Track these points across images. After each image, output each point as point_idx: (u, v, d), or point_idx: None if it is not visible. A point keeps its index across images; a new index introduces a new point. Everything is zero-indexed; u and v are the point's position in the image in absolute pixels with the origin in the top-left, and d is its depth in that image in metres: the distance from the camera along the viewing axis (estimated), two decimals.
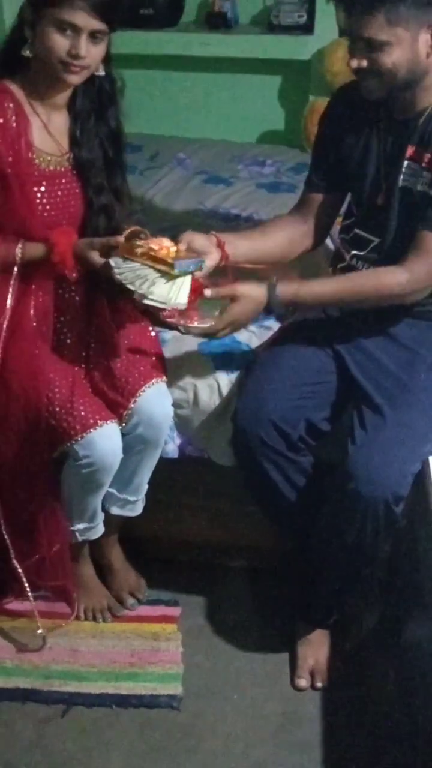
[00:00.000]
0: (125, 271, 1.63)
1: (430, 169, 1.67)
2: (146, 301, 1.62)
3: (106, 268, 1.66)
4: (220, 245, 1.76)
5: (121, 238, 1.68)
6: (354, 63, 1.61)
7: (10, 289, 1.75)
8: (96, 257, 1.69)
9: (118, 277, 1.62)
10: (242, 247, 1.81)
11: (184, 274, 1.62)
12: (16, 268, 1.74)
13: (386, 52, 1.57)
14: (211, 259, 1.73)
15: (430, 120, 1.67)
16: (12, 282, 1.75)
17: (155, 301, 1.61)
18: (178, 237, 1.71)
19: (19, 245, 1.72)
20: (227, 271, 1.78)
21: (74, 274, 1.73)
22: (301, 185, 2.18)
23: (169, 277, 1.62)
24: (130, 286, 1.61)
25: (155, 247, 1.65)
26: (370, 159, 1.77)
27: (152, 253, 1.63)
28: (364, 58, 1.59)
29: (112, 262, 1.64)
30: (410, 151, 1.70)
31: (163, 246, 1.66)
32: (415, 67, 1.60)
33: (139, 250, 1.64)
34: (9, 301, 1.76)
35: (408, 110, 1.70)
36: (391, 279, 1.69)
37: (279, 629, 1.98)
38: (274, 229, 1.92)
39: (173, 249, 1.67)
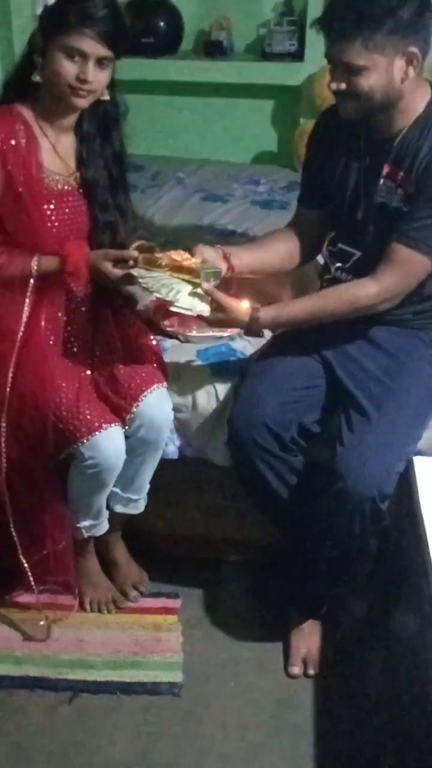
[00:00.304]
0: (150, 280, 1.63)
1: (403, 186, 1.67)
2: (173, 308, 1.63)
3: (124, 279, 1.69)
4: (227, 257, 1.78)
5: (134, 252, 1.69)
6: (334, 85, 1.61)
7: (27, 301, 1.74)
8: (111, 268, 1.69)
9: (144, 285, 1.64)
10: (245, 258, 1.82)
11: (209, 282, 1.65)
12: (32, 281, 1.73)
13: (363, 76, 1.56)
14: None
15: (404, 141, 1.67)
16: (29, 294, 1.74)
17: (181, 308, 1.63)
18: (192, 250, 1.73)
19: (35, 259, 1.72)
20: (232, 282, 1.79)
21: (85, 284, 1.74)
22: (292, 202, 2.19)
23: (194, 285, 1.64)
24: (156, 294, 1.63)
25: (178, 258, 1.66)
26: (350, 176, 1.76)
27: (176, 264, 1.65)
28: (343, 81, 1.59)
29: (135, 272, 1.65)
30: (386, 169, 1.70)
31: (184, 257, 1.67)
32: (390, 90, 1.59)
33: (162, 261, 1.65)
34: (25, 313, 1.75)
35: (384, 131, 1.69)
36: (361, 290, 1.69)
37: (273, 620, 1.97)
38: (274, 242, 1.92)
39: (195, 260, 1.68)
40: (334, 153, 1.78)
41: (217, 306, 1.67)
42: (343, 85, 1.59)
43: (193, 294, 1.64)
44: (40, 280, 1.73)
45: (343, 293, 1.73)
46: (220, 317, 1.69)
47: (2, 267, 1.71)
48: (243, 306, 1.68)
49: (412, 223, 1.64)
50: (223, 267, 1.75)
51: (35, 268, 1.72)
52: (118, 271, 1.69)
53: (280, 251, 1.89)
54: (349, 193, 1.77)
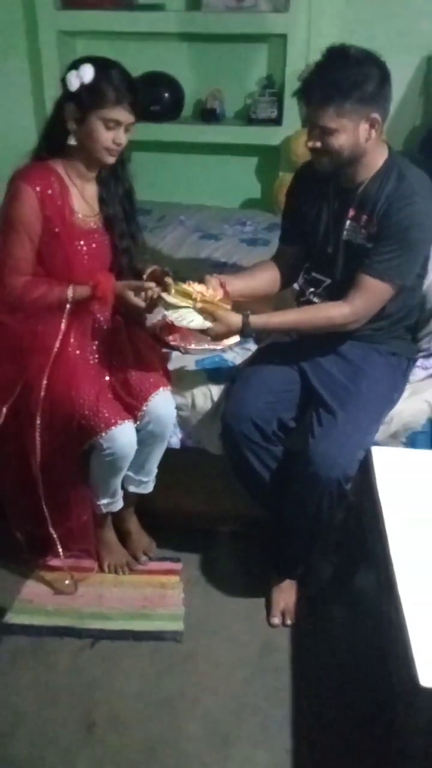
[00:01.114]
0: (174, 314, 1.68)
1: (366, 227, 1.69)
2: (189, 327, 1.68)
3: (147, 308, 1.73)
4: (222, 285, 1.77)
5: (151, 283, 1.72)
6: (310, 144, 1.63)
7: (63, 322, 1.75)
8: (132, 296, 1.71)
9: (169, 315, 1.68)
10: (237, 285, 1.81)
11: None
12: (68, 306, 1.73)
13: (335, 137, 1.58)
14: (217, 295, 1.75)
15: (366, 190, 1.68)
16: (65, 317, 1.74)
17: (194, 328, 1.68)
18: (205, 279, 1.75)
19: (71, 288, 1.72)
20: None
21: (109, 308, 1.74)
22: (273, 240, 2.18)
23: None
24: (177, 321, 1.67)
25: (205, 292, 1.70)
26: (322, 218, 1.77)
27: (205, 297, 1.69)
28: (318, 140, 1.61)
29: (168, 299, 1.68)
30: (351, 212, 1.71)
31: (206, 291, 1.71)
32: (356, 148, 1.61)
33: (194, 294, 1.69)
34: (61, 332, 1.76)
35: (351, 181, 1.70)
36: (336, 311, 1.70)
37: (257, 579, 1.97)
38: (259, 272, 1.91)
39: (216, 294, 1.72)
40: (309, 199, 1.79)
41: (213, 320, 1.68)
42: (318, 144, 1.61)
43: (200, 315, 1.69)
44: (74, 304, 1.74)
45: (321, 311, 1.74)
46: (219, 328, 1.68)
47: (44, 295, 1.72)
48: (234, 316, 1.68)
49: (375, 258, 1.65)
50: (220, 292, 1.76)
51: (71, 295, 1.72)
52: (140, 301, 1.70)
53: (265, 279, 1.89)
54: (321, 231, 1.78)
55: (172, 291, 1.70)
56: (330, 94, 1.54)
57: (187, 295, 1.69)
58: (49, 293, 1.72)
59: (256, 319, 1.69)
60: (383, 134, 1.66)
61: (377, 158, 1.67)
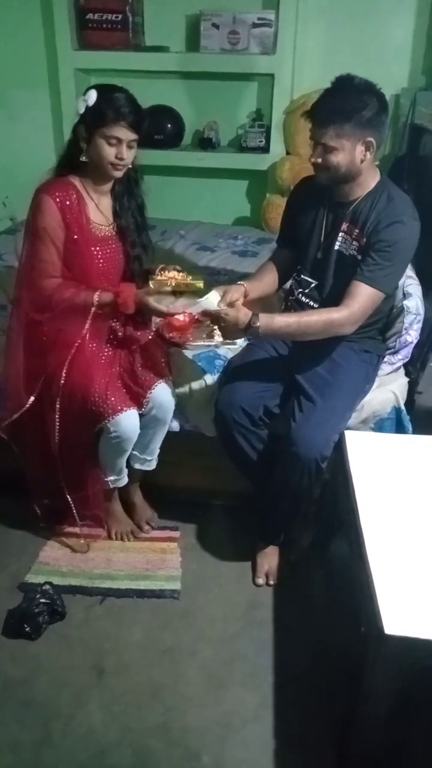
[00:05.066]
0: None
1: (357, 240, 1.67)
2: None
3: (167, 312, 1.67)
4: (246, 293, 1.73)
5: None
6: (313, 159, 1.62)
7: (88, 323, 1.73)
8: (152, 301, 1.67)
9: (193, 345, 1.74)
10: (254, 289, 1.77)
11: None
12: (93, 309, 1.71)
13: (334, 154, 1.57)
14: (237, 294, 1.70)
15: (358, 207, 1.67)
16: (89, 319, 1.73)
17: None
18: (227, 288, 1.69)
19: (97, 293, 1.70)
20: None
21: (131, 311, 1.71)
22: (261, 253, 2.15)
23: (198, 295, 1.63)
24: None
25: (177, 276, 1.67)
26: (316, 228, 1.75)
27: (177, 280, 1.66)
28: (319, 156, 1.60)
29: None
30: (344, 226, 1.69)
31: (175, 276, 1.68)
32: (352, 167, 1.60)
33: (167, 281, 1.66)
34: (85, 329, 1.74)
35: (345, 197, 1.69)
36: (334, 315, 1.65)
37: (245, 545, 1.97)
38: (266, 274, 1.86)
39: (184, 276, 1.69)
40: (306, 210, 1.77)
41: (229, 306, 1.63)
42: (320, 160, 1.60)
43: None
44: (99, 308, 1.72)
45: (323, 314, 1.66)
46: (233, 314, 1.61)
47: (71, 297, 1.70)
48: (245, 309, 1.64)
49: (367, 268, 1.63)
50: (242, 296, 1.71)
51: (96, 300, 1.71)
52: (162, 307, 1.66)
53: (271, 280, 1.86)
54: (314, 239, 1.76)
55: (152, 284, 1.67)
56: (332, 116, 1.54)
57: (164, 283, 1.66)
58: (77, 296, 1.70)
59: (263, 317, 1.63)
60: (376, 160, 1.65)
61: (370, 180, 1.66)
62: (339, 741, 1.43)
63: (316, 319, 1.66)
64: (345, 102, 1.53)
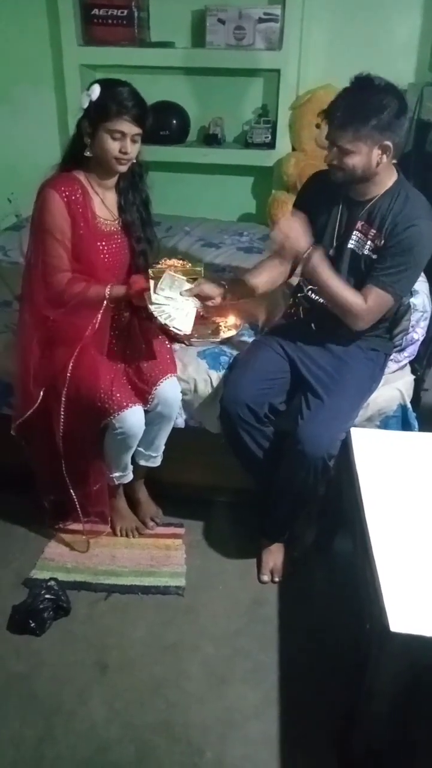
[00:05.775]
0: (159, 310, 1.65)
1: (373, 240, 1.66)
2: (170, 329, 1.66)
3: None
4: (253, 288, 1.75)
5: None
6: (328, 159, 1.60)
7: (98, 317, 1.72)
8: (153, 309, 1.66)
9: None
10: (263, 278, 1.78)
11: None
12: (105, 303, 1.71)
13: (350, 157, 1.56)
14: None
15: (375, 206, 1.65)
16: (101, 312, 1.72)
17: (176, 328, 1.65)
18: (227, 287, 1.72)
19: (108, 287, 1.70)
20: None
21: (144, 303, 1.69)
22: (267, 249, 2.11)
23: (193, 281, 1.64)
24: (168, 322, 1.65)
25: (176, 263, 1.68)
26: (330, 224, 1.73)
27: (176, 266, 1.66)
28: (335, 158, 1.58)
29: (151, 308, 1.64)
30: (359, 225, 1.68)
31: (175, 264, 1.68)
32: (367, 169, 1.58)
33: (165, 268, 1.65)
34: (95, 323, 1.73)
35: (361, 196, 1.67)
36: (356, 306, 1.65)
37: (250, 542, 1.96)
38: (272, 268, 1.82)
39: (183, 264, 1.69)
40: (319, 205, 1.74)
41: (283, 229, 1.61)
42: (335, 161, 1.59)
43: (184, 319, 1.66)
44: (111, 302, 1.72)
45: (348, 292, 1.65)
46: (293, 236, 1.60)
47: (83, 291, 1.69)
48: (308, 239, 1.62)
49: (382, 271, 1.62)
50: (219, 297, 1.71)
51: (108, 293, 1.70)
52: (161, 320, 1.65)
53: (275, 275, 1.82)
54: (327, 237, 1.73)
55: (151, 272, 1.66)
56: (350, 118, 1.51)
57: (162, 271, 1.66)
58: (88, 290, 1.70)
59: (319, 257, 1.62)
60: (395, 158, 1.62)
61: (387, 179, 1.64)
62: (342, 738, 1.42)
63: (347, 294, 1.65)
64: (364, 104, 1.50)
